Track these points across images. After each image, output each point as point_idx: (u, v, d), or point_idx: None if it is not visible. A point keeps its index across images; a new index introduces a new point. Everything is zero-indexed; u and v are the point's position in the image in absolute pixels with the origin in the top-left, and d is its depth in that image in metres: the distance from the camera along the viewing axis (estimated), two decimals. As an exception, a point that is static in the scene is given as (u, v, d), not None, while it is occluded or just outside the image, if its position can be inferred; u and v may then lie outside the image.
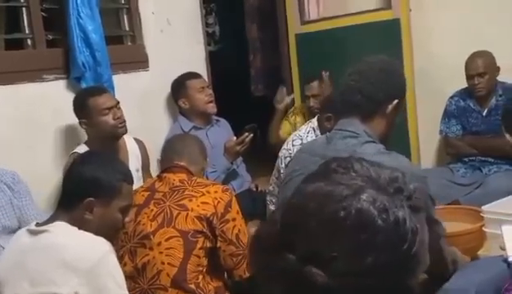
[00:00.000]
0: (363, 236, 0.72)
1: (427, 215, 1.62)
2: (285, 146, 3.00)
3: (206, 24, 5.59)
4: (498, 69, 3.38)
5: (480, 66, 3.34)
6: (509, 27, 3.46)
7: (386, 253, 0.72)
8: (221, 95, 3.83)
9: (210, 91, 3.34)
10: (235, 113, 4.76)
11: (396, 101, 1.73)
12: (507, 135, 1.41)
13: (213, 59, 3.87)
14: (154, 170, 3.10)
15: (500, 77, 3.41)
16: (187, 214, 2.04)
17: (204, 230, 2.02)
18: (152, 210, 2.10)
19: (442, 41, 3.72)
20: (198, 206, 2.05)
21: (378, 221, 0.73)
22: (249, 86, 5.62)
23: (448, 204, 3.22)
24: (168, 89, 3.41)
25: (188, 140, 2.43)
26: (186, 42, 3.55)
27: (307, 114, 3.69)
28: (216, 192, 2.08)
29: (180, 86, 3.32)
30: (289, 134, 3.24)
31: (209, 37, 5.83)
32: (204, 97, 3.27)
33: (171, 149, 2.34)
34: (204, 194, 2.07)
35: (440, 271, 1.76)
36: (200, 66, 3.60)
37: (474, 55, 3.36)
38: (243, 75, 5.60)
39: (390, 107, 1.73)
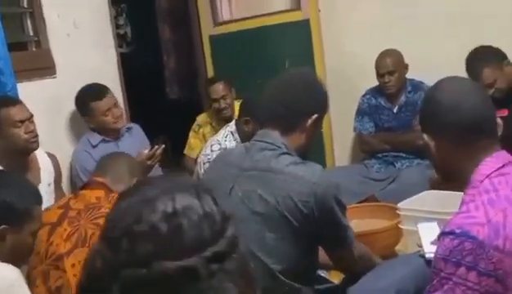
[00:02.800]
0: None
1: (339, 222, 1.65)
2: (203, 151, 2.95)
3: (117, 26, 5.44)
4: (406, 66, 3.50)
5: (389, 65, 3.44)
6: (416, 25, 3.58)
7: None
8: (135, 98, 3.74)
9: (118, 110, 3.13)
10: (150, 115, 4.68)
11: (316, 116, 1.74)
12: (425, 136, 1.43)
13: (125, 61, 3.75)
14: (64, 184, 2.96)
15: (409, 75, 3.53)
16: (102, 233, 1.95)
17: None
18: (66, 229, 1.99)
19: (352, 40, 3.80)
20: (114, 224, 1.96)
21: None
22: (164, 88, 5.53)
23: (365, 200, 3.32)
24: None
25: (117, 157, 2.31)
26: (95, 45, 3.40)
27: (216, 119, 3.63)
28: None
29: (84, 107, 3.10)
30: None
31: (121, 39, 5.68)
32: (110, 119, 3.06)
33: (98, 166, 2.24)
34: None
35: (356, 272, 1.80)
36: (111, 70, 3.46)
37: (383, 54, 3.46)
38: (158, 77, 5.50)
39: (310, 121, 1.73)
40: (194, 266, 0.71)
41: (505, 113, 2.89)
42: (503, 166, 1.32)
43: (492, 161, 1.33)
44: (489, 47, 3.02)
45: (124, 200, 0.78)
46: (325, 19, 3.81)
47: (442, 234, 1.26)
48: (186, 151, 3.74)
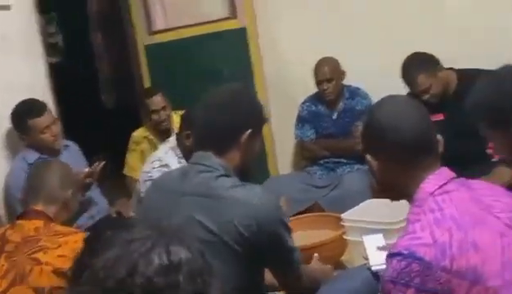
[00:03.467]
0: None
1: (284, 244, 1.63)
2: (144, 169, 2.88)
3: (48, 35, 5.26)
4: (344, 73, 3.54)
5: (327, 72, 3.48)
6: (352, 33, 3.62)
7: None
8: (70, 108, 3.59)
9: (56, 128, 3.02)
10: (87, 126, 4.53)
11: (249, 131, 1.69)
12: (368, 156, 1.43)
13: (58, 70, 3.60)
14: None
15: (346, 81, 3.57)
16: (41, 269, 1.83)
17: (64, 286, 1.83)
18: (3, 265, 1.86)
19: (290, 48, 3.81)
20: (54, 259, 1.84)
21: None
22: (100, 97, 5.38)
23: (309, 207, 3.33)
24: (8, 114, 3.08)
25: (46, 171, 2.15)
26: (23, 57, 3.24)
27: (154, 133, 3.55)
28: (76, 242, 1.85)
29: (21, 124, 2.97)
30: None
31: (52, 48, 5.48)
32: (49, 136, 2.95)
33: (28, 187, 2.11)
34: (60, 246, 1.87)
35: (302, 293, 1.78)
36: (41, 82, 3.31)
37: (321, 62, 3.50)
38: (93, 85, 5.35)
39: (244, 137, 1.69)
40: None
41: (440, 117, 2.97)
42: (446, 183, 1.33)
43: (435, 178, 1.34)
44: (423, 54, 3.09)
45: (108, 248, 0.76)
46: (263, 27, 3.80)
47: (390, 256, 1.26)
48: (126, 171, 3.63)
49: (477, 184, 1.38)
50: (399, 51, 3.12)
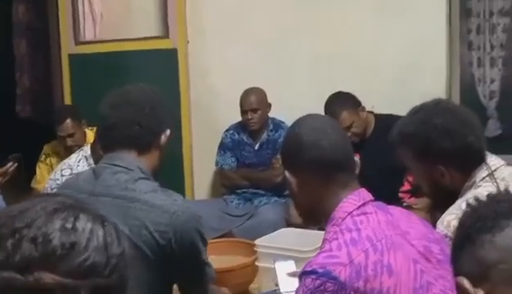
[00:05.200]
0: None
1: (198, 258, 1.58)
2: (52, 176, 2.74)
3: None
4: (269, 105, 3.56)
5: (253, 102, 3.49)
6: (281, 67, 3.67)
7: None
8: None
9: None
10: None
11: (169, 131, 1.67)
12: (287, 173, 1.42)
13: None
14: None
15: (271, 114, 3.59)
16: None
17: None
18: None
19: (220, 74, 3.81)
20: None
21: None
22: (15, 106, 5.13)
23: (223, 235, 3.28)
24: None
25: None
26: None
27: (64, 150, 3.41)
28: None
29: None
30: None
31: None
32: None
33: None
34: None
35: None
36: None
37: (248, 92, 3.51)
38: (9, 95, 5.10)
39: (163, 137, 1.65)
40: (77, 288, 0.68)
41: (356, 156, 3.03)
42: (364, 204, 1.33)
43: (354, 198, 1.33)
44: (347, 93, 3.18)
45: (18, 205, 0.73)
46: (194, 51, 3.78)
47: (304, 274, 1.23)
48: (34, 183, 3.47)
49: (394, 209, 1.39)
50: (324, 88, 3.19)
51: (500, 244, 0.80)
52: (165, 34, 3.77)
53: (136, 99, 1.66)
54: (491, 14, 4.84)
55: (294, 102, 3.52)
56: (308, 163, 1.36)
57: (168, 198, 1.56)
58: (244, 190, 3.60)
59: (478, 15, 4.90)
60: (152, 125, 1.63)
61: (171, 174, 3.01)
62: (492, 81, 4.93)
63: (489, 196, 0.88)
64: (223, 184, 3.72)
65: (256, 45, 3.72)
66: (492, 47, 4.90)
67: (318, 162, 1.35)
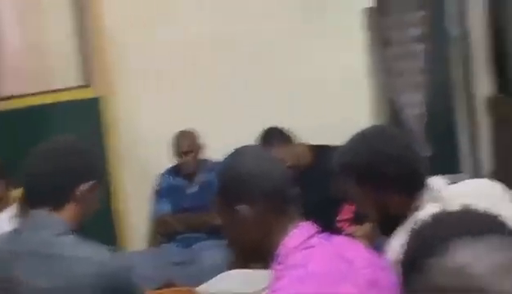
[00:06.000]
0: None
1: None
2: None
3: None
4: (202, 146, 3.52)
5: (186, 144, 3.46)
6: (211, 107, 3.64)
7: None
8: None
9: None
10: None
11: (90, 183, 1.58)
12: (224, 211, 1.36)
13: None
14: None
15: (205, 155, 3.54)
16: None
17: None
18: None
19: (148, 119, 3.73)
20: None
21: None
22: None
23: (164, 286, 3.16)
24: None
25: None
26: None
27: None
28: None
29: None
30: None
31: None
32: None
33: None
34: None
35: None
36: None
37: (180, 134, 3.47)
38: None
39: (83, 190, 1.56)
40: None
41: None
42: (309, 237, 1.30)
43: (298, 233, 1.30)
44: (278, 128, 3.18)
45: None
46: (120, 97, 3.70)
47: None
48: None
49: (339, 239, 1.37)
50: (256, 123, 3.18)
51: (446, 266, 0.76)
52: (87, 83, 3.68)
53: (48, 153, 1.61)
54: (410, 41, 5.05)
55: (227, 141, 3.47)
56: (263, 195, 1.32)
57: (93, 250, 1.51)
58: (184, 236, 3.50)
59: (397, 43, 5.10)
60: (64, 178, 1.55)
61: (101, 227, 2.90)
62: (417, 105, 5.10)
63: (432, 217, 0.86)
64: (160, 232, 3.62)
65: (183, 87, 3.69)
66: (413, 73, 5.10)
67: (272, 193, 1.31)
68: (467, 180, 1.75)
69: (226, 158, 1.44)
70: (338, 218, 3.07)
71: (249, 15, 3.63)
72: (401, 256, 0.88)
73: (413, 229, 0.86)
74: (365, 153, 1.61)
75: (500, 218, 0.76)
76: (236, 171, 1.35)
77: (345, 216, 3.07)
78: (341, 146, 1.69)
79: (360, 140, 1.65)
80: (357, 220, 2.83)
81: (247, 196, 1.33)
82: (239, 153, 1.40)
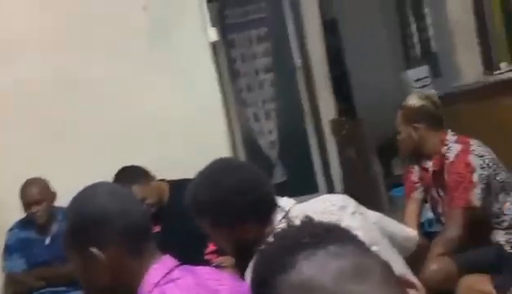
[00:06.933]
0: None
1: None
2: None
3: None
4: (55, 194, 3.34)
5: (35, 194, 3.26)
6: (63, 153, 3.47)
7: None
8: None
9: None
10: None
11: None
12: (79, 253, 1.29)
13: None
14: None
15: (58, 203, 3.36)
16: None
17: None
18: None
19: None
20: None
21: None
22: None
23: None
24: None
25: None
26: None
27: None
28: None
29: None
30: None
31: None
32: None
33: None
34: None
35: None
36: None
37: (28, 184, 3.27)
38: None
39: None
40: None
41: (157, 229, 2.95)
42: (170, 271, 1.26)
43: (159, 267, 1.26)
44: (133, 166, 3.11)
45: None
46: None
47: None
48: None
49: (202, 269, 1.35)
50: (110, 164, 3.08)
51: (295, 282, 0.74)
52: None
53: None
54: (257, 72, 5.25)
55: (80, 185, 3.33)
56: (117, 235, 1.25)
57: None
58: (43, 291, 3.28)
59: (245, 74, 5.28)
60: None
61: None
62: (270, 132, 5.30)
63: (273, 235, 0.86)
64: (16, 291, 3.36)
65: (32, 128, 3.49)
66: (264, 102, 5.30)
67: (128, 232, 1.26)
68: (316, 198, 1.82)
69: (76, 196, 1.36)
70: (206, 251, 3.06)
71: (93, 55, 3.55)
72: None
73: (259, 250, 0.86)
74: (214, 192, 1.61)
75: (338, 226, 0.77)
76: (87, 211, 1.29)
77: (211, 249, 3.06)
78: (190, 184, 1.69)
79: (208, 178, 1.66)
80: (223, 252, 2.83)
81: (99, 238, 1.27)
82: (90, 191, 1.33)
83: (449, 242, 2.45)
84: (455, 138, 2.64)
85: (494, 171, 2.55)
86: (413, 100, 2.75)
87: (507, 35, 3.51)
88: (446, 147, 2.62)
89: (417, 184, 2.83)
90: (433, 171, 2.70)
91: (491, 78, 3.12)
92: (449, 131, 2.67)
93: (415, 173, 2.85)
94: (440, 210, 2.79)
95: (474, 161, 2.52)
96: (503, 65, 3.25)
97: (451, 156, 2.59)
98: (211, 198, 1.61)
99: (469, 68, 3.69)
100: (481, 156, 2.55)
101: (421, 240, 2.06)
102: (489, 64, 3.66)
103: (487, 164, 2.54)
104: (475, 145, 2.57)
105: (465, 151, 2.55)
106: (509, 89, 2.87)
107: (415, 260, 1.92)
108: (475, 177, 2.49)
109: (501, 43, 3.63)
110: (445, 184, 2.65)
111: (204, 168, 1.68)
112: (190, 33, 3.58)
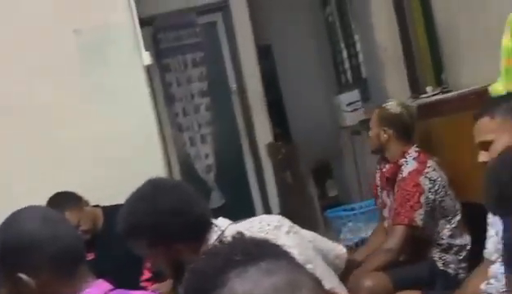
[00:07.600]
0: None
1: None
2: None
3: None
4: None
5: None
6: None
7: None
8: None
9: None
10: None
11: None
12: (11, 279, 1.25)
13: None
14: None
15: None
16: None
17: None
18: None
19: None
20: None
21: None
22: None
23: None
24: None
25: None
26: None
27: None
28: None
29: None
30: None
31: None
32: None
33: None
34: None
35: None
36: None
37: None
38: None
39: None
40: None
41: (91, 256, 2.88)
42: None
43: (93, 291, 1.25)
44: (66, 192, 3.03)
45: None
46: None
47: None
48: None
49: (136, 293, 1.33)
50: (43, 191, 2.99)
51: None
52: None
53: None
54: (193, 96, 5.25)
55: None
56: (49, 260, 1.23)
57: None
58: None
59: (181, 99, 5.25)
60: None
61: None
62: (207, 156, 5.28)
63: (205, 253, 0.84)
64: None
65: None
66: (200, 126, 5.28)
67: (61, 257, 1.23)
68: (252, 218, 1.83)
69: (5, 220, 1.32)
70: (141, 278, 3.00)
71: (25, 78, 3.45)
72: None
73: (189, 270, 0.84)
74: (147, 215, 1.60)
75: (270, 242, 0.77)
76: (15, 236, 1.25)
77: (147, 276, 3.01)
78: (122, 209, 1.67)
79: (139, 201, 1.64)
80: (158, 276, 2.79)
81: (28, 263, 1.24)
82: (20, 215, 1.30)
83: (388, 255, 2.52)
84: (415, 154, 2.71)
85: (441, 197, 2.63)
86: (392, 106, 2.84)
87: (432, 61, 3.67)
88: (404, 159, 2.70)
89: (379, 188, 2.94)
90: (387, 177, 2.79)
91: (418, 101, 3.26)
92: (414, 146, 2.75)
93: (377, 175, 2.94)
94: (386, 214, 2.87)
95: (425, 183, 2.60)
96: (429, 89, 3.39)
97: (404, 171, 2.67)
98: (146, 219, 1.59)
99: (397, 92, 3.83)
100: (433, 180, 2.62)
101: (350, 257, 2.11)
102: (416, 88, 3.82)
103: (436, 190, 2.62)
104: (431, 168, 2.64)
105: (419, 171, 2.63)
106: (434, 111, 3.00)
107: (347, 275, 1.97)
108: (422, 199, 2.57)
109: (427, 68, 3.79)
110: (394, 192, 2.74)
111: (137, 189, 1.67)
112: (124, 57, 3.55)
